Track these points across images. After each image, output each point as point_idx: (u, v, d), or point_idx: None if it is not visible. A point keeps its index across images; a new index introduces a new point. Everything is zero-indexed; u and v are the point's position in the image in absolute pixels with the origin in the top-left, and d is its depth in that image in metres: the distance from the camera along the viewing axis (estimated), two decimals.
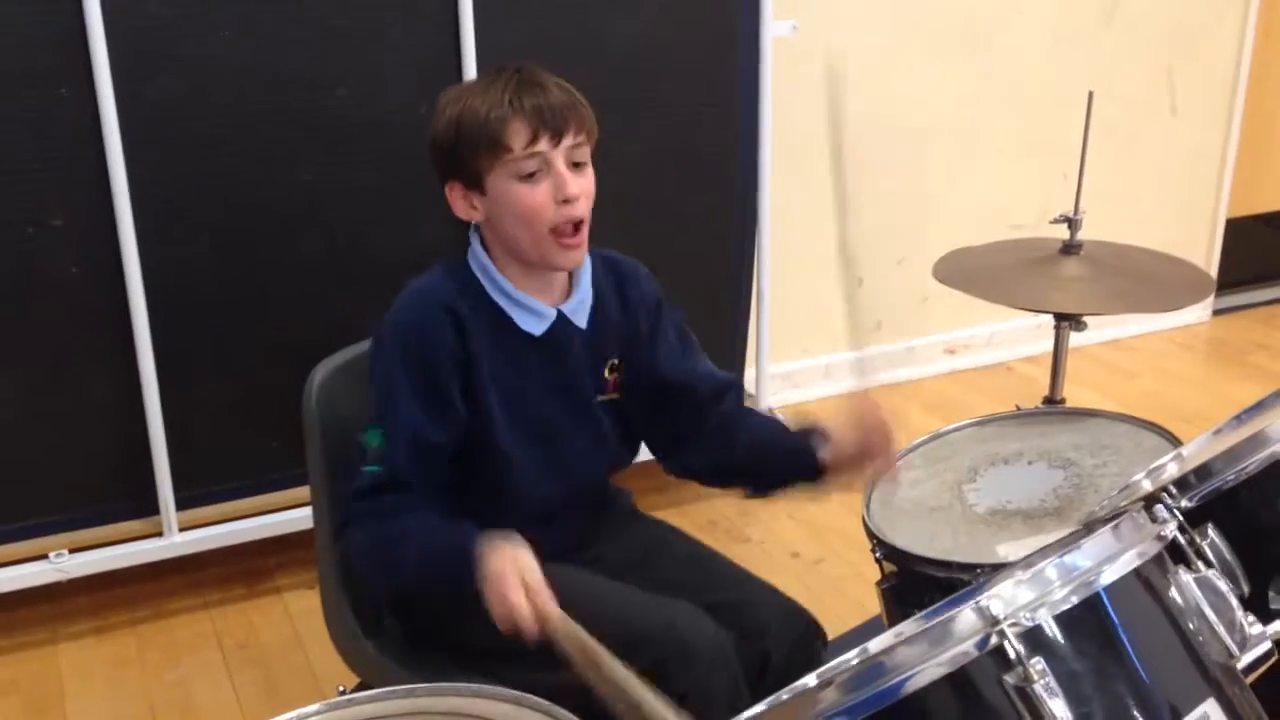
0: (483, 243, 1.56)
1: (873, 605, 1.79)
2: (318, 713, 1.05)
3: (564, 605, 1.50)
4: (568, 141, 1.48)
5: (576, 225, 1.50)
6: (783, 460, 1.65)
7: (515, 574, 1.33)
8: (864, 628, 2.24)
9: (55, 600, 2.42)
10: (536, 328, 1.55)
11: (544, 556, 1.58)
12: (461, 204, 1.53)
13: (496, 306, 1.54)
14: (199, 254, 2.26)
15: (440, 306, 1.50)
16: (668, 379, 1.66)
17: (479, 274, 1.55)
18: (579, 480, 1.63)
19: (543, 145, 1.47)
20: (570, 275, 1.59)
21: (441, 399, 1.48)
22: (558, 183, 1.48)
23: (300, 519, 2.37)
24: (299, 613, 2.45)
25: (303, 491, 2.19)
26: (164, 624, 2.43)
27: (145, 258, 2.20)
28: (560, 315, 1.57)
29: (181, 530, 2.37)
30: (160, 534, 2.36)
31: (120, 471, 2.33)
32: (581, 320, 1.59)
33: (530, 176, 1.48)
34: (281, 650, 2.35)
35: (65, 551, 2.30)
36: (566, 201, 1.48)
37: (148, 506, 2.35)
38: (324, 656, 2.12)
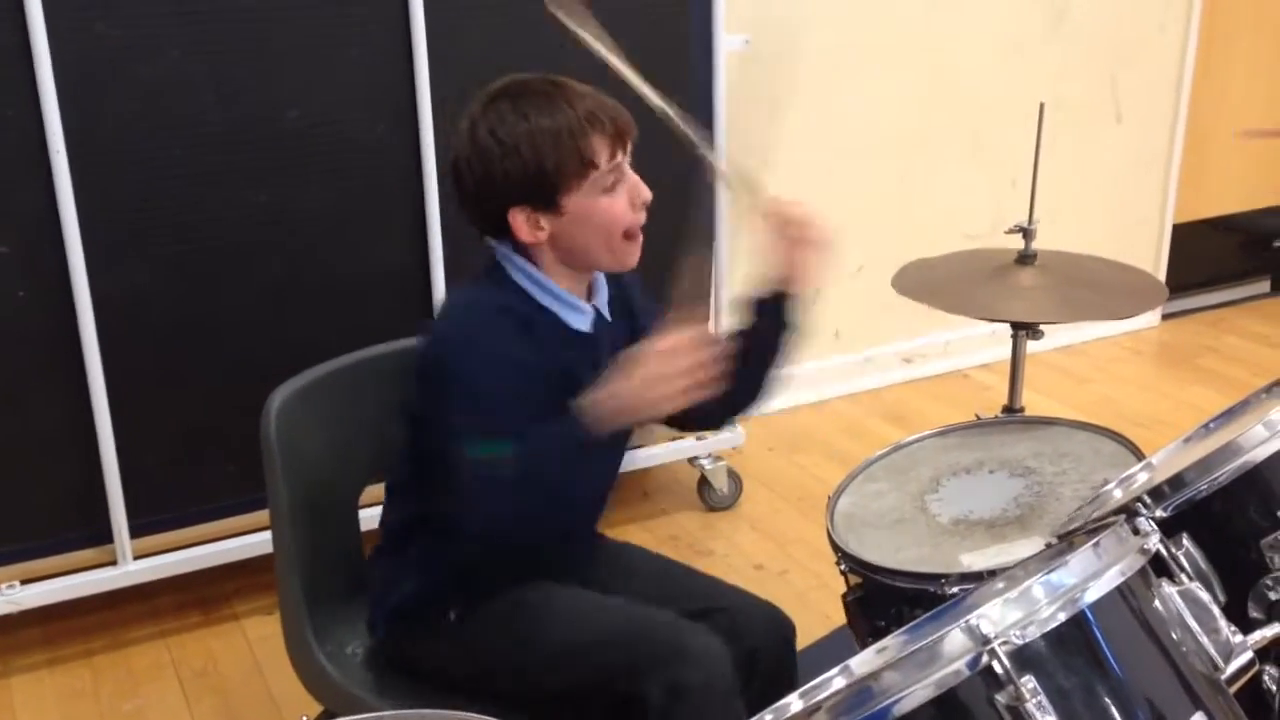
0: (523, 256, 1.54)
1: (838, 616, 1.79)
2: None
3: (554, 611, 1.53)
4: (630, 145, 1.51)
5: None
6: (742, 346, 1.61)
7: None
8: (831, 639, 2.24)
9: (7, 632, 2.37)
10: (584, 324, 1.55)
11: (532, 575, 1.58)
12: (526, 228, 1.49)
13: (545, 309, 1.53)
14: (150, 277, 2.23)
15: (497, 308, 1.49)
16: None
17: (523, 281, 1.52)
18: (596, 483, 1.62)
19: (619, 156, 1.49)
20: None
21: (531, 392, 1.46)
22: (633, 189, 1.51)
23: (258, 544, 2.34)
24: (258, 639, 2.41)
25: (260, 516, 2.17)
26: (120, 654, 2.38)
27: (95, 282, 2.17)
28: (596, 310, 1.58)
29: (136, 558, 2.32)
30: (114, 563, 2.31)
31: (72, 499, 2.29)
32: (607, 313, 1.60)
33: (611, 188, 1.49)
34: (241, 678, 2.31)
35: (16, 583, 2.25)
36: (644, 205, 1.52)
37: (101, 534, 2.30)
38: (284, 683, 2.09)
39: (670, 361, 1.37)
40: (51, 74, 2.05)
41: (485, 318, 1.49)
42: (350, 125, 2.31)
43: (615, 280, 1.63)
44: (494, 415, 1.43)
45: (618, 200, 1.50)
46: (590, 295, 1.58)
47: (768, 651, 1.57)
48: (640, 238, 1.54)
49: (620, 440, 1.51)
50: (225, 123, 2.21)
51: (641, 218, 1.53)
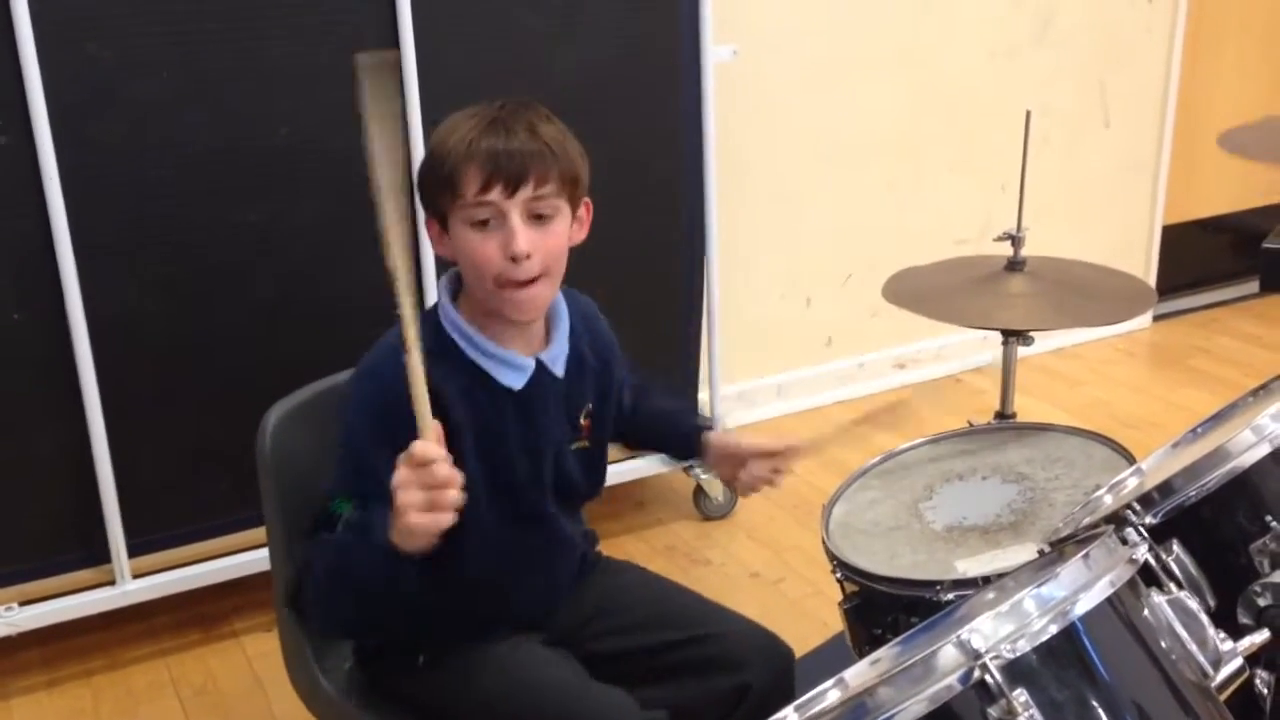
0: (454, 294, 1.50)
1: (835, 622, 1.80)
2: None
3: (497, 690, 1.52)
4: (525, 193, 1.40)
5: (528, 280, 1.42)
6: (665, 435, 1.78)
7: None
8: (828, 646, 2.25)
9: (6, 654, 2.37)
10: (516, 381, 1.47)
11: (508, 623, 1.58)
12: (438, 242, 1.48)
13: (472, 363, 1.46)
14: (144, 297, 2.23)
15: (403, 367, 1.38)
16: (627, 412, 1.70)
17: (451, 331, 1.47)
18: (544, 533, 1.58)
19: (495, 195, 1.39)
20: (549, 321, 1.53)
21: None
22: (507, 237, 1.40)
23: (255, 561, 2.35)
24: (257, 656, 2.41)
25: (257, 533, 2.17)
26: (119, 674, 2.38)
27: (89, 303, 2.17)
28: (539, 365, 1.50)
29: (134, 577, 2.33)
30: (112, 582, 2.32)
31: (70, 520, 2.29)
32: (559, 368, 1.52)
33: (482, 224, 1.41)
34: (241, 695, 2.32)
35: (15, 605, 2.26)
36: (514, 259, 1.40)
37: (99, 555, 2.31)
38: (285, 700, 2.08)
39: (415, 478, 1.20)
40: (43, 95, 2.05)
41: (386, 377, 1.34)
42: (341, 143, 2.30)
43: (592, 336, 1.59)
44: (360, 477, 1.36)
45: (487, 241, 1.40)
46: (545, 344, 1.52)
47: (761, 683, 1.54)
48: (526, 293, 1.43)
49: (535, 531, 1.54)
50: (217, 142, 2.21)
51: (520, 270, 1.40)
